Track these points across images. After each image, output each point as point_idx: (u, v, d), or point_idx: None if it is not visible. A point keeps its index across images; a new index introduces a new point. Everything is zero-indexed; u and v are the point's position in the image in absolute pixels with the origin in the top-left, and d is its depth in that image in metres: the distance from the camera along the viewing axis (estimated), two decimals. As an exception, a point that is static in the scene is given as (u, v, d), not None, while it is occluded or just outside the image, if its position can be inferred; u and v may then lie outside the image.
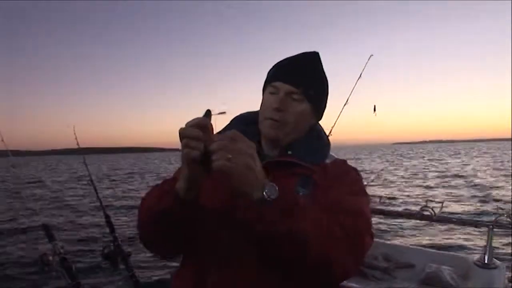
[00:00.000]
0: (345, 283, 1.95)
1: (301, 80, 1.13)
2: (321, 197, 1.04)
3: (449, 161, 37.42)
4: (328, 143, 1.24)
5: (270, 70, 1.21)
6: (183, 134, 0.85)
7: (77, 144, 2.93)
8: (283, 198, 0.88)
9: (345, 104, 2.69)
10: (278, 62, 1.20)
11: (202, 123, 0.86)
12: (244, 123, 1.22)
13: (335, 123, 2.66)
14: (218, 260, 1.04)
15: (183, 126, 0.87)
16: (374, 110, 2.56)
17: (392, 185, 17.02)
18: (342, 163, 1.20)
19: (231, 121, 1.26)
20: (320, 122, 1.27)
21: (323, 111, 1.24)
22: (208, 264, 1.05)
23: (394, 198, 12.65)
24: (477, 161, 35.09)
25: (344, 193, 1.06)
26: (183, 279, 1.11)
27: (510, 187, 14.83)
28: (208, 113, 0.90)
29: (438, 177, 20.55)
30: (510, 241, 6.19)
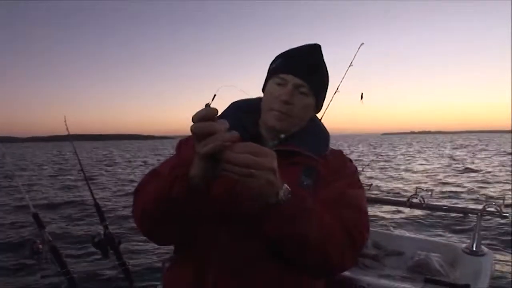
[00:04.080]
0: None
1: (309, 74, 1.14)
2: (324, 189, 1.08)
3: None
4: (328, 134, 1.25)
5: (276, 60, 1.19)
6: (200, 131, 0.79)
7: (67, 130, 2.90)
8: (293, 202, 0.89)
9: (335, 92, 2.68)
10: (285, 53, 1.19)
11: (211, 114, 0.80)
12: (242, 111, 1.21)
13: (325, 112, 2.65)
14: (219, 257, 1.03)
15: (191, 121, 0.81)
16: (361, 97, 2.54)
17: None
18: (340, 154, 1.23)
19: (228, 108, 1.25)
20: (319, 112, 1.29)
21: (323, 104, 1.26)
22: (208, 260, 1.04)
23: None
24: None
25: (345, 185, 1.09)
26: (181, 275, 1.10)
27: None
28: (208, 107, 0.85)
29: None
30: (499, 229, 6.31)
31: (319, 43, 1.17)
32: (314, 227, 0.91)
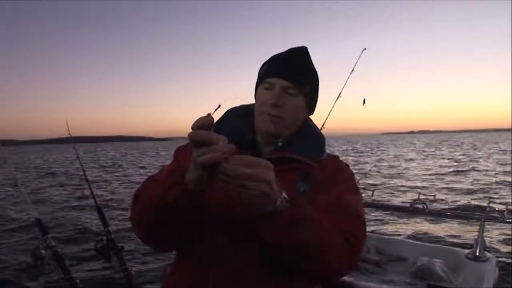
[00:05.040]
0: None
1: (295, 75, 1.14)
2: (320, 195, 1.08)
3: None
4: (323, 138, 1.26)
5: (263, 66, 1.21)
6: (198, 139, 0.80)
7: (69, 133, 2.91)
8: (290, 211, 0.89)
9: (337, 98, 2.70)
10: (271, 58, 1.20)
11: (208, 122, 0.81)
12: (238, 117, 1.22)
13: (328, 116, 2.68)
14: (218, 260, 1.03)
15: (190, 130, 0.82)
16: (364, 103, 2.62)
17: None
18: (336, 159, 1.23)
19: (225, 114, 1.25)
20: (312, 114, 1.29)
21: (315, 105, 1.26)
22: (207, 263, 1.04)
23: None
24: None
25: (341, 191, 1.09)
26: (181, 278, 1.10)
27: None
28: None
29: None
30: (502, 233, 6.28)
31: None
32: (311, 234, 0.92)
